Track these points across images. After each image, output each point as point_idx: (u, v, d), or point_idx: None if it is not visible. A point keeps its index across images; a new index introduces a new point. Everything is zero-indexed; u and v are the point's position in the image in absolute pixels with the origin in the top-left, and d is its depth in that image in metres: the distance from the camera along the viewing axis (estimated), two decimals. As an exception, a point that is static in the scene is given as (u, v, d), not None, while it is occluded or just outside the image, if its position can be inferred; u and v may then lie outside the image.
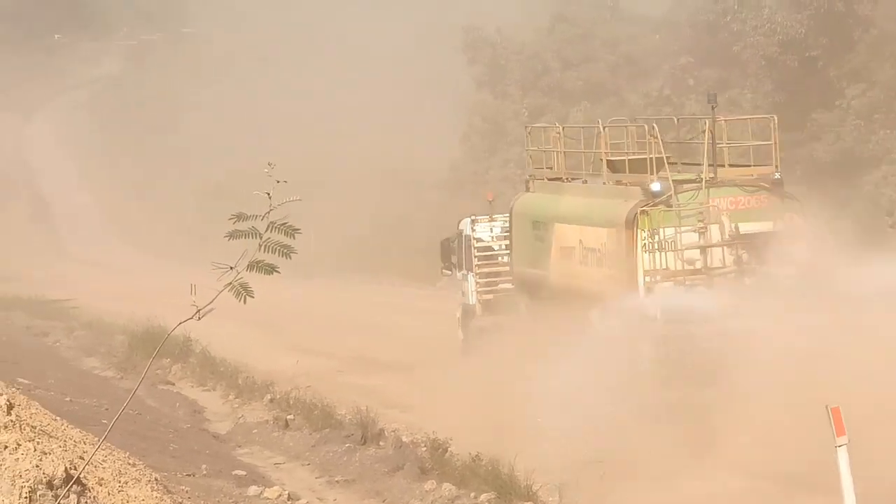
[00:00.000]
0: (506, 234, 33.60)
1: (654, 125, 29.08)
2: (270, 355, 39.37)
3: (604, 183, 29.07)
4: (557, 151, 31.87)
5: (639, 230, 26.65)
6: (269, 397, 32.43)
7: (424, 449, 24.49)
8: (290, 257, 9.01)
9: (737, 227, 26.89)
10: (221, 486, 20.71)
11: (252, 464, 25.25)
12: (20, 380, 26.06)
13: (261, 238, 9.04)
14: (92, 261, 74.69)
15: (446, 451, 24.08)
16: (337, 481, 24.12)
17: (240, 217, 9.15)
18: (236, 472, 22.93)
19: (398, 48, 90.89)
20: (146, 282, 60.40)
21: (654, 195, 26.91)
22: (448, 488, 21.87)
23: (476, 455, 22.65)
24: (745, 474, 22.11)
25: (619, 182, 28.60)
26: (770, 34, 55.57)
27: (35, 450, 9.45)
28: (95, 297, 55.07)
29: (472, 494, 21.44)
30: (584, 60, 70.30)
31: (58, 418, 11.23)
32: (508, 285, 33.07)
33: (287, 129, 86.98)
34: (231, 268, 8.86)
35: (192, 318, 8.99)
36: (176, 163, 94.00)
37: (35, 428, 10.22)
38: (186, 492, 16.06)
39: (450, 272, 37.60)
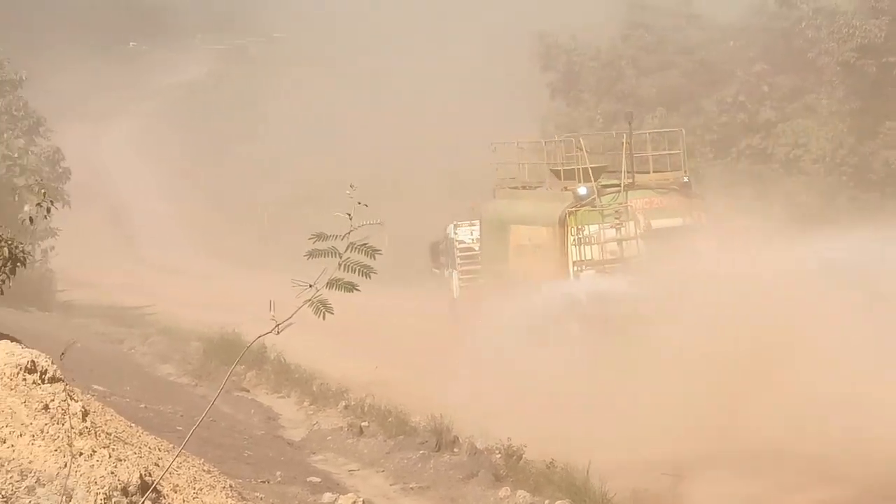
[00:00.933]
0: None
1: (581, 139, 36.30)
2: (345, 363, 39.38)
3: (548, 189, 35.54)
4: (517, 164, 38.52)
5: (568, 227, 32.98)
6: (343, 404, 32.56)
7: (499, 456, 24.49)
8: (370, 277, 9.13)
9: (649, 223, 32.84)
10: (296, 492, 20.78)
11: (326, 470, 25.32)
12: (95, 386, 26.30)
13: (340, 257, 9.22)
14: (168, 268, 75.17)
15: (521, 457, 24.11)
16: (411, 488, 24.16)
17: (319, 237, 9.35)
18: (311, 478, 22.99)
19: (472, 55, 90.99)
20: (223, 289, 60.75)
21: (581, 198, 33.19)
22: (522, 495, 21.84)
23: (550, 461, 22.67)
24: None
25: (564, 188, 34.31)
26: (847, 39, 55.02)
27: (110, 456, 9.51)
28: (171, 304, 55.47)
29: (547, 501, 21.41)
30: (659, 67, 69.91)
31: (133, 425, 11.32)
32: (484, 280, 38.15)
33: (364, 137, 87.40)
34: (310, 286, 9.00)
35: (270, 332, 9.16)
36: (254, 171, 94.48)
37: (110, 434, 10.29)
38: (261, 498, 16.14)
39: (438, 271, 42.83)
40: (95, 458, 9.35)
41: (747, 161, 61.28)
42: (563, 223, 33.24)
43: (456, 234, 41.07)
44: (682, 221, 33.45)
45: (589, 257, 32.69)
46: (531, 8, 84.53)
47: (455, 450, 25.49)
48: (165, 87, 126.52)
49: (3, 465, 8.95)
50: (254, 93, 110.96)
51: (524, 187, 37.34)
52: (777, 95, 63.33)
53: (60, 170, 59.35)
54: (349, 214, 9.15)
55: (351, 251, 9.22)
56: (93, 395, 14.30)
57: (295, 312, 9.03)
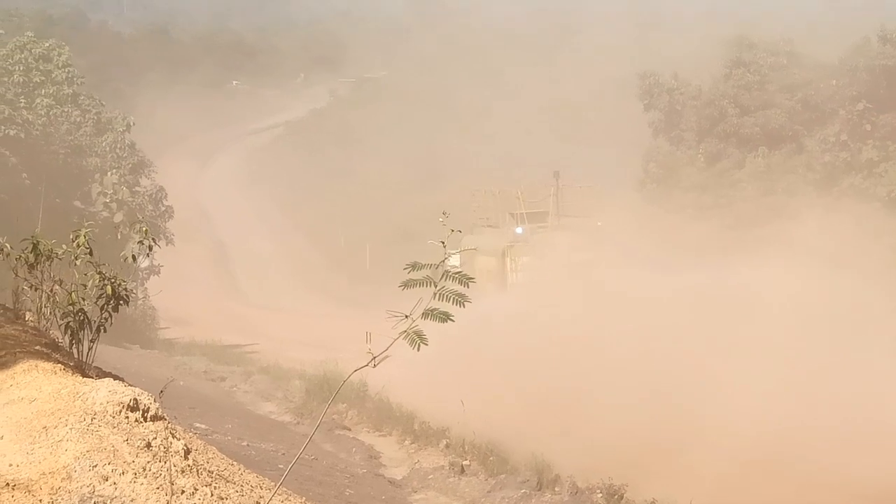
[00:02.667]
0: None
1: (521, 189, 51.85)
2: (441, 395, 39.37)
3: (501, 228, 48.86)
4: (490, 207, 51.27)
5: (507, 258, 46.69)
6: (444, 443, 32.51)
7: (600, 495, 24.33)
8: (465, 306, 9.07)
9: (569, 256, 43.86)
10: (397, 532, 20.74)
11: (427, 510, 25.25)
12: (197, 424, 26.48)
13: (435, 287, 9.15)
14: (269, 305, 75.62)
15: (622, 496, 23.91)
16: (513, 529, 24.02)
17: (414, 266, 9.31)
18: (412, 518, 22.95)
19: (574, 94, 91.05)
20: (324, 327, 60.95)
21: (517, 237, 46.74)
22: (625, 537, 21.67)
23: (652, 500, 22.53)
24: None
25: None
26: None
27: (212, 494, 9.54)
28: (272, 342, 55.79)
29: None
30: (760, 106, 69.40)
31: (235, 463, 11.35)
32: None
33: (464, 172, 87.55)
34: (406, 316, 8.95)
35: (367, 365, 9.10)
36: (353, 207, 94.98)
37: (212, 473, 10.33)
38: (362, 538, 16.10)
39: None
40: (197, 496, 9.38)
41: (849, 200, 60.61)
42: (504, 254, 47.25)
43: (447, 262, 47.41)
44: (593, 255, 43.72)
45: (519, 281, 44.93)
46: (633, 47, 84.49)
47: (556, 489, 25.35)
48: (266, 126, 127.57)
49: None
50: (353, 130, 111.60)
51: (489, 225, 50.34)
52: (880, 134, 62.67)
53: (163, 208, 60.11)
54: (443, 242, 9.16)
55: (445, 280, 9.19)
56: (195, 433, 14.42)
57: (391, 345, 8.99)
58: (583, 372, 36.93)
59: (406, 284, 9.34)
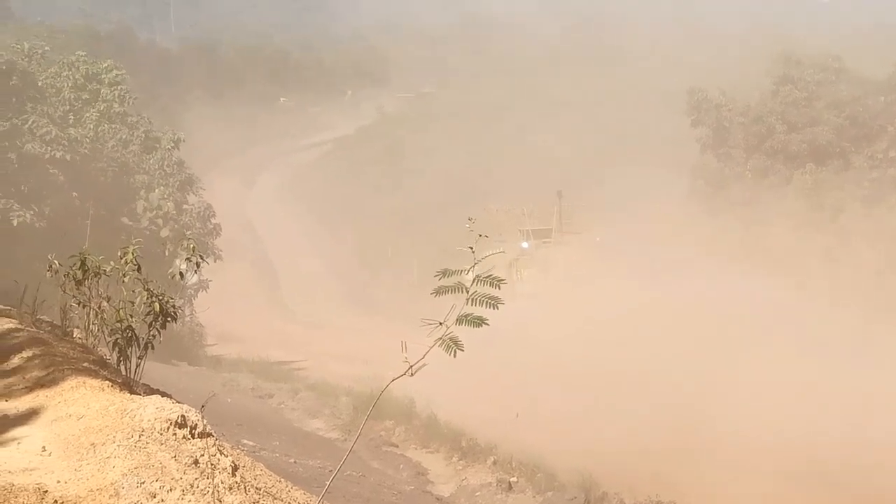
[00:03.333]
0: None
1: (528, 209, 59.14)
2: (486, 407, 39.42)
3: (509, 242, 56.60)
4: (503, 223, 60.93)
5: (514, 270, 52.67)
6: (492, 459, 32.43)
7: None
8: (498, 307, 9.07)
9: (569, 270, 48.96)
10: (445, 549, 20.68)
11: (475, 527, 25.17)
12: (245, 441, 26.54)
13: (468, 292, 9.16)
14: (316, 322, 75.64)
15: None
16: (562, 547, 23.92)
17: (444, 273, 9.36)
18: (460, 535, 22.88)
19: (621, 110, 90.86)
20: (372, 343, 60.88)
21: (523, 250, 52.53)
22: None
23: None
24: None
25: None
26: None
27: (259, 511, 9.55)
28: (319, 359, 55.86)
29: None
30: (808, 122, 69.15)
31: (282, 480, 11.34)
32: None
33: (510, 190, 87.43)
34: (440, 323, 8.94)
35: (404, 374, 9.11)
36: (400, 223, 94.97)
37: (260, 489, 10.33)
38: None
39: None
40: (245, 513, 9.39)
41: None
42: (512, 265, 54.74)
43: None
44: (588, 267, 50.11)
45: (525, 292, 51.60)
46: (680, 64, 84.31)
47: (604, 506, 25.26)
48: (313, 143, 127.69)
49: (153, 520, 9.03)
50: (400, 147, 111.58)
51: (499, 241, 56.05)
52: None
53: (211, 225, 60.25)
54: (471, 248, 9.15)
55: (477, 284, 9.20)
56: (242, 450, 14.43)
57: (427, 352, 8.99)
58: (609, 384, 40.16)
59: (438, 291, 9.43)
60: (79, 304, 12.84)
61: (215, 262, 56.15)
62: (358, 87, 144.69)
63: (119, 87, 58.70)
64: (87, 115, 57.57)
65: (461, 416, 38.04)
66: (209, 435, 9.99)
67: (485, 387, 44.15)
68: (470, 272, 9.21)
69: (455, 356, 9.12)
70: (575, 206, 65.11)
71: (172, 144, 59.46)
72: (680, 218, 71.19)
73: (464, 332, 9.29)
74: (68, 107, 57.53)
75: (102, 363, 12.45)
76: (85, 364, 11.97)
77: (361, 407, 38.84)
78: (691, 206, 72.07)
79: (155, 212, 56.49)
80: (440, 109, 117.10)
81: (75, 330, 13.86)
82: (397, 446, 36.30)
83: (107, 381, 11.21)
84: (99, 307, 12.49)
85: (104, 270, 12.42)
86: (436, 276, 9.37)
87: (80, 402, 10.57)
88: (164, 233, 54.48)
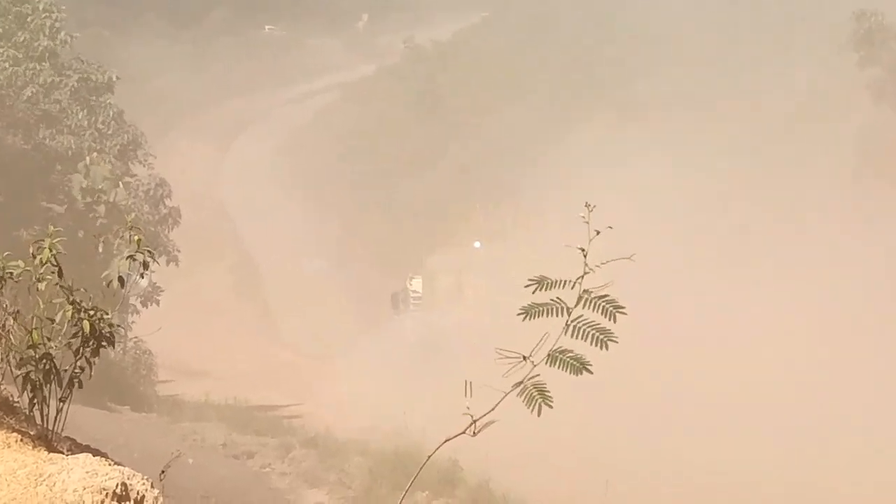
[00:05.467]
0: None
1: (478, 207, 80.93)
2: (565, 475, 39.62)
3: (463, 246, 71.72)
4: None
5: (462, 276, 72.34)
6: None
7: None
8: (608, 347, 8.74)
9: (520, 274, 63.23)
10: None
11: None
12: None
13: (568, 316, 8.83)
14: (318, 350, 75.60)
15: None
16: None
17: (541, 283, 8.96)
18: None
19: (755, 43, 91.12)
20: (397, 382, 60.92)
21: (476, 250, 75.05)
22: None
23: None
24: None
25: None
26: None
27: None
28: (321, 403, 55.96)
29: None
30: None
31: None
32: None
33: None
34: (525, 358, 8.58)
35: (463, 432, 8.79)
36: (439, 207, 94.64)
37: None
38: None
39: (397, 315, 71.98)
40: None
41: None
42: (459, 273, 68.04)
43: (411, 284, 72.03)
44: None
45: (472, 297, 66.06)
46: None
47: None
48: (312, 90, 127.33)
49: None
50: (439, 98, 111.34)
51: (450, 245, 68.75)
52: None
53: (165, 210, 59.95)
54: (583, 250, 8.67)
55: (584, 305, 8.78)
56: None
57: (499, 402, 8.59)
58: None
59: (529, 313, 8.96)
60: (-27, 323, 12.84)
61: (169, 264, 56.14)
62: (377, 11, 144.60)
63: (53, 16, 58.58)
64: (2, 48, 57.52)
65: (525, 485, 38.07)
66: (161, 512, 9.97)
67: (559, 440, 44.26)
68: (576, 285, 8.75)
69: (540, 414, 8.80)
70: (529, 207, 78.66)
71: (103, 83, 59.08)
72: (844, 198, 71.14)
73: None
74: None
75: (8, 407, 12.46)
76: (-18, 408, 11.99)
77: (381, 472, 38.92)
78: (859, 180, 71.85)
79: (98, 193, 56.07)
80: (497, 44, 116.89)
81: (-32, 360, 13.87)
82: (434, 528, 36.39)
83: (14, 433, 11.22)
84: (3, 326, 12.50)
85: (10, 274, 12.39)
86: (527, 285, 9.04)
87: (-26, 463, 10.58)
88: (105, 222, 54.23)
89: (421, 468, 10.99)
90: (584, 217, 8.53)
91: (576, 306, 8.76)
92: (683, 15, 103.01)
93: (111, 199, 55.99)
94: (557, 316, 8.84)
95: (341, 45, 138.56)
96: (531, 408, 8.77)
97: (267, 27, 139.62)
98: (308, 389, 60.41)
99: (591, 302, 8.75)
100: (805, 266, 64.38)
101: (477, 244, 72.26)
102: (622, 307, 8.59)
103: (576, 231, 8.79)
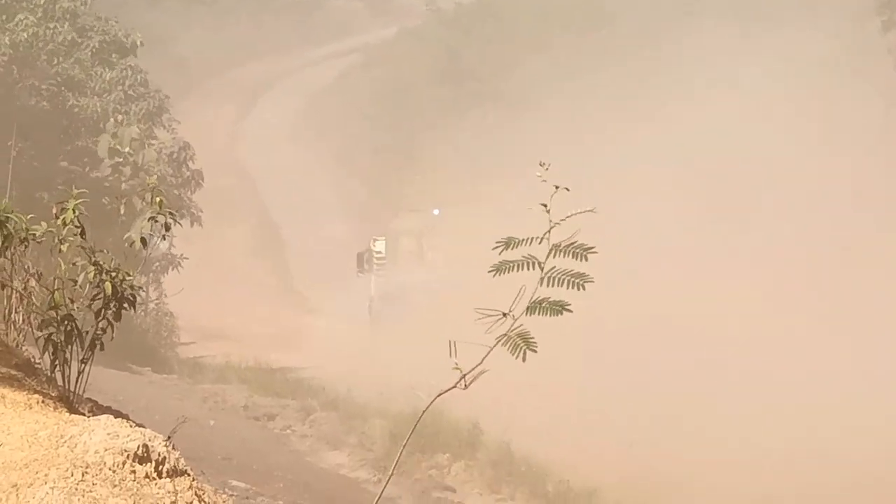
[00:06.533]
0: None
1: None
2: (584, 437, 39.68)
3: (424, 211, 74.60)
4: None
5: (424, 239, 72.38)
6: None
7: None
8: (584, 288, 9.06)
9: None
10: None
11: None
12: (234, 483, 26.64)
13: (542, 269, 9.24)
14: (340, 314, 75.53)
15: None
16: None
17: (508, 244, 9.43)
18: None
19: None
20: (419, 346, 60.75)
21: (435, 217, 73.95)
22: None
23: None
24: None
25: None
26: None
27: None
28: (344, 365, 55.87)
29: None
30: None
31: (287, 539, 11.34)
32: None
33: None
34: (504, 314, 8.93)
35: (454, 386, 9.10)
36: (466, 172, 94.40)
37: (254, 553, 10.34)
38: None
39: (362, 275, 71.49)
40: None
41: None
42: (421, 235, 70.73)
43: (375, 245, 71.40)
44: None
45: (434, 259, 69.42)
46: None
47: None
48: (334, 52, 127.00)
49: None
50: (466, 61, 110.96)
51: (412, 211, 75.30)
52: None
53: (188, 173, 59.88)
54: (545, 206, 9.15)
55: (554, 255, 9.24)
56: (230, 496, 14.42)
57: (487, 354, 8.96)
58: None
59: (499, 269, 9.51)
60: (-4, 285, 12.81)
61: (192, 226, 56.12)
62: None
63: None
64: (21, 12, 57.34)
65: (548, 447, 38.07)
66: (183, 473, 9.97)
67: (583, 403, 44.29)
68: (544, 240, 9.17)
69: (525, 359, 9.10)
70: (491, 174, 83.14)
71: (128, 48, 59.02)
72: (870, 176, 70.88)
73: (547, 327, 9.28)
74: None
75: (30, 369, 12.47)
76: (4, 370, 11.99)
77: (401, 434, 38.89)
78: (889, 152, 71.48)
79: (125, 155, 56.04)
80: (522, 6, 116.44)
81: (-10, 321, 13.86)
82: (454, 491, 36.38)
83: (36, 395, 11.22)
84: (25, 288, 12.48)
85: (33, 235, 12.34)
86: (495, 247, 9.37)
87: (-4, 424, 10.58)
88: (130, 185, 54.20)
89: (416, 425, 11.40)
90: (539, 176, 9.05)
91: (547, 258, 9.28)
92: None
93: (139, 162, 56.06)
94: (529, 269, 9.35)
95: (363, 6, 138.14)
96: (516, 355, 9.23)
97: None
98: (328, 352, 60.33)
99: (561, 251, 9.27)
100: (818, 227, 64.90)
101: (436, 211, 74.00)
102: (592, 247, 9.03)
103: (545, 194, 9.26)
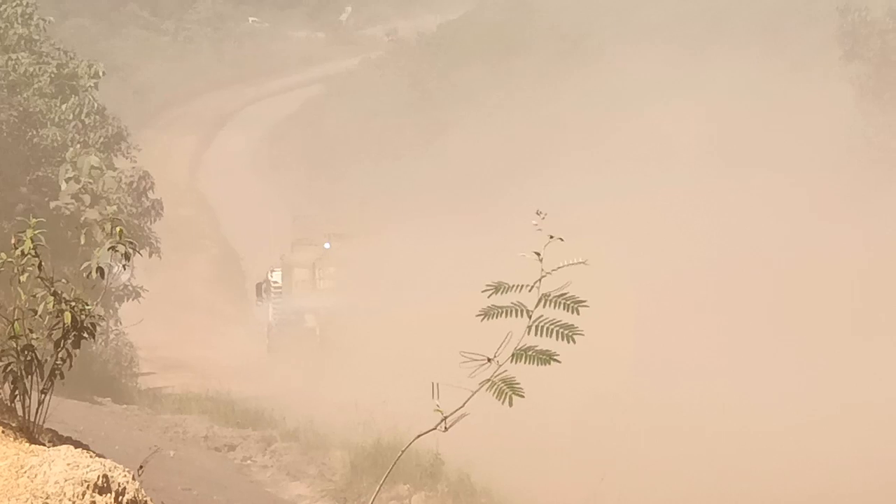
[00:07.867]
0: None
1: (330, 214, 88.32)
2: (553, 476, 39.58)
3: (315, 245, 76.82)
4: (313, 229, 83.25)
5: (316, 269, 74.18)
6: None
7: None
8: (575, 341, 9.07)
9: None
10: None
11: None
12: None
13: (529, 317, 9.21)
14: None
15: None
16: None
17: (498, 288, 9.35)
18: None
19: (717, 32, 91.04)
20: (385, 380, 60.70)
21: (325, 251, 74.00)
22: None
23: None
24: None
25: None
26: None
27: None
28: (304, 397, 55.82)
29: None
30: None
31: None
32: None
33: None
34: (489, 359, 8.95)
35: (435, 428, 9.10)
36: (424, 206, 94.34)
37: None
38: None
39: (260, 304, 75.81)
40: None
41: None
42: (314, 266, 73.49)
43: (272, 276, 74.78)
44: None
45: (326, 287, 72.20)
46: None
47: None
48: (297, 83, 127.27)
49: None
50: (425, 92, 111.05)
51: (307, 244, 76.18)
52: None
53: (148, 202, 59.77)
54: (538, 254, 9.12)
55: (543, 305, 9.21)
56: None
57: (469, 398, 8.98)
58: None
59: (488, 314, 9.41)
60: (-46, 315, 12.79)
61: (151, 256, 56.02)
62: (361, 4, 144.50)
63: (22, 2, 58.40)
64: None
65: (510, 478, 38.08)
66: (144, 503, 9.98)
67: (549, 435, 44.34)
68: (534, 288, 9.19)
69: (511, 404, 9.11)
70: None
71: (90, 79, 58.90)
72: (831, 203, 71.04)
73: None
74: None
75: (-11, 399, 12.45)
76: (-37, 400, 11.97)
77: (363, 465, 38.85)
78: (846, 181, 71.54)
79: (85, 183, 55.72)
80: (479, 37, 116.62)
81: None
82: (416, 523, 36.34)
83: (-5, 426, 11.22)
84: (-16, 318, 12.47)
85: (-9, 265, 12.34)
86: (484, 291, 9.38)
87: (-44, 455, 10.58)
88: (92, 214, 53.98)
89: (394, 463, 11.35)
90: (536, 224, 9.01)
91: (537, 306, 9.22)
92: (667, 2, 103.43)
93: (98, 190, 55.78)
94: (517, 317, 9.26)
95: (325, 37, 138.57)
96: (502, 400, 9.17)
97: (251, 19, 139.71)
98: (288, 383, 60.33)
99: (551, 302, 9.23)
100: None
101: (327, 245, 76.33)
102: (583, 301, 9.00)
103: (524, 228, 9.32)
